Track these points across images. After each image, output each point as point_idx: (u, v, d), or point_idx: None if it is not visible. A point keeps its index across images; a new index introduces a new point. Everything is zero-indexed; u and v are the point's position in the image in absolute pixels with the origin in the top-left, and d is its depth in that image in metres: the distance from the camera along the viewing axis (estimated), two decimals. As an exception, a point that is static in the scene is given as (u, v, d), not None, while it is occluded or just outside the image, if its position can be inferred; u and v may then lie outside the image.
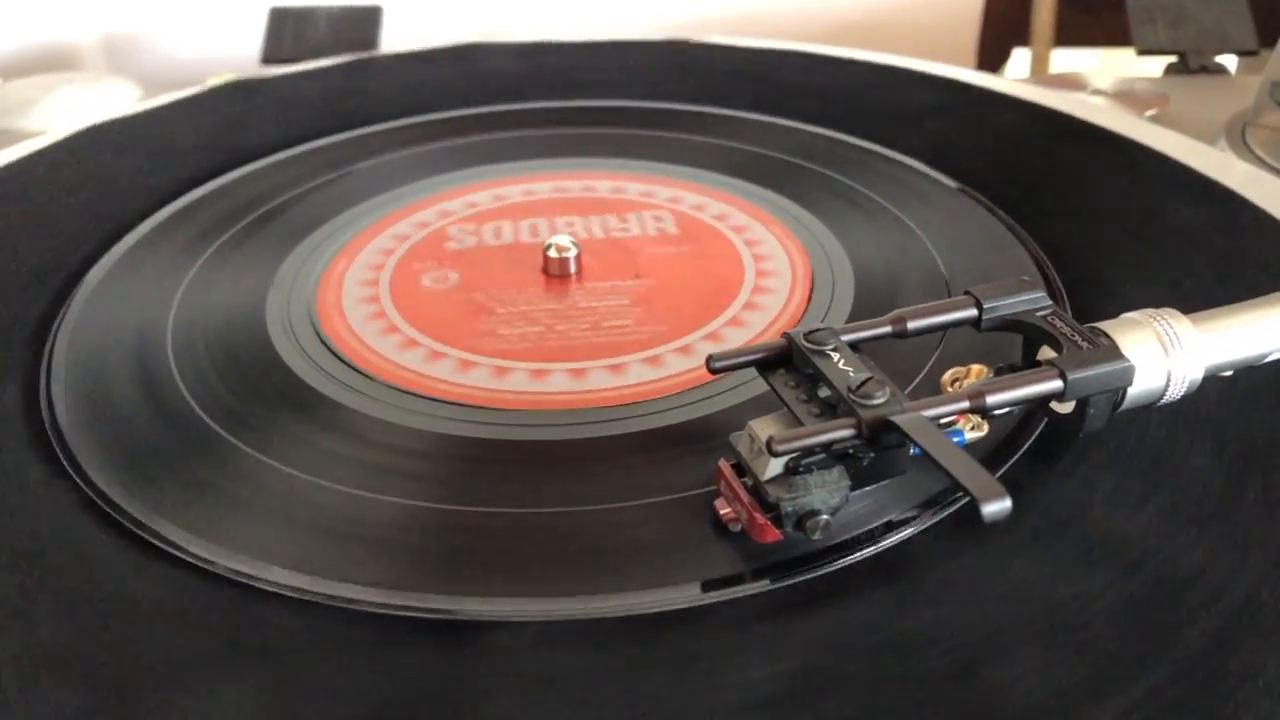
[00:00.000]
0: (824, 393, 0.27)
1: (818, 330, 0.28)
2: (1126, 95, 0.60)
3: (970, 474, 0.23)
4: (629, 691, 0.24)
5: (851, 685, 0.24)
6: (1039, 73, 0.94)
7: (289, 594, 0.27)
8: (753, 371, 0.29)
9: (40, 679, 0.24)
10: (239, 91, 0.61)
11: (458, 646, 0.25)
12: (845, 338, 0.28)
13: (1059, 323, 0.28)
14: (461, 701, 0.24)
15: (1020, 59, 1.00)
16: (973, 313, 0.29)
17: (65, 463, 0.32)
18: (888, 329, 0.29)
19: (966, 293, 0.29)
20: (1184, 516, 0.28)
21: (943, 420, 0.26)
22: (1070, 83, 0.63)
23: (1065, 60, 0.99)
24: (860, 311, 0.39)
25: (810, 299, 0.39)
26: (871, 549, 0.27)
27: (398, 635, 0.26)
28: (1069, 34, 0.96)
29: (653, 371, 0.35)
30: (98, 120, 0.56)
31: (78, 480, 0.31)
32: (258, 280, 0.42)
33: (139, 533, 0.29)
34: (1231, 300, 0.30)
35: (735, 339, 0.37)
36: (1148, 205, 0.44)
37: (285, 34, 0.70)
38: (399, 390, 0.35)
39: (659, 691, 0.24)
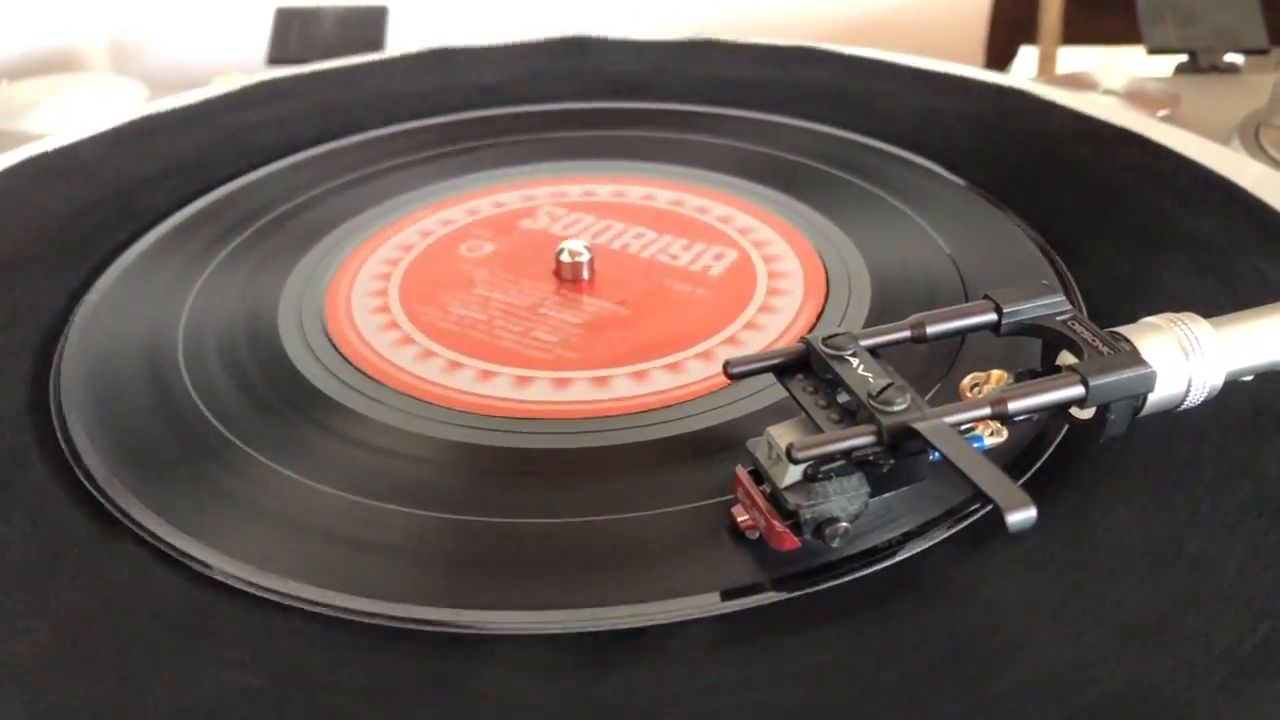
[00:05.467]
0: (843, 398, 0.27)
1: (836, 335, 0.28)
2: (1138, 95, 0.60)
3: (994, 482, 0.23)
4: (642, 704, 0.24)
5: (865, 701, 0.24)
6: (1046, 71, 0.94)
7: (297, 604, 0.27)
8: (767, 377, 0.29)
9: (39, 681, 0.24)
10: (256, 92, 0.61)
11: (471, 660, 0.25)
12: (864, 343, 0.28)
13: (1079, 327, 0.28)
14: (477, 716, 0.24)
15: (1027, 57, 1.00)
16: (992, 317, 0.29)
17: (73, 465, 0.32)
18: (907, 334, 0.28)
19: (986, 297, 0.29)
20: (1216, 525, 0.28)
21: (963, 427, 0.26)
22: (1081, 82, 0.63)
23: (1072, 58, 0.98)
24: (876, 314, 0.38)
25: (826, 302, 0.39)
26: (889, 560, 0.27)
27: (409, 648, 0.25)
28: (1076, 32, 0.95)
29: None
30: (108, 123, 0.56)
31: (84, 483, 0.31)
32: (270, 284, 0.41)
33: (144, 536, 0.29)
34: (1245, 303, 0.30)
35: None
36: (1161, 206, 0.44)
37: (291, 34, 0.70)
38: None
39: (672, 703, 0.24)
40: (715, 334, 0.37)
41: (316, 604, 0.26)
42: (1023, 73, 0.95)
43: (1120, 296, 0.39)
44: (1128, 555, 0.27)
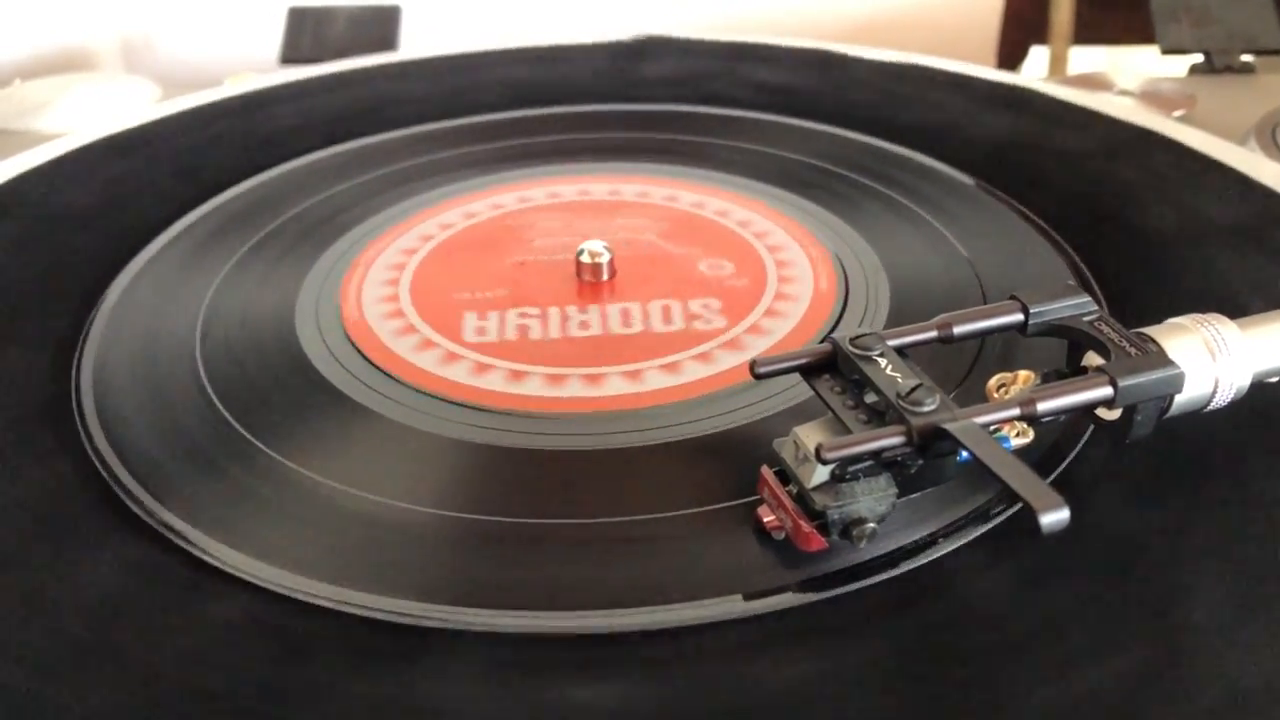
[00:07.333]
0: (870, 398, 0.27)
1: (864, 335, 0.27)
2: (1153, 95, 0.60)
3: (1027, 483, 0.22)
4: (664, 705, 0.24)
5: (893, 704, 0.23)
6: (1057, 71, 0.94)
7: (310, 600, 0.27)
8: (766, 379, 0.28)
9: (58, 679, 0.24)
10: (269, 93, 0.61)
11: (484, 659, 0.25)
12: (891, 343, 0.27)
13: (1106, 328, 0.28)
14: (488, 715, 0.24)
15: (1038, 57, 1.00)
16: (1019, 318, 0.29)
17: (95, 463, 0.32)
18: (933, 334, 0.28)
19: (1012, 297, 0.29)
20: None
21: (990, 428, 0.26)
22: (1095, 82, 0.63)
23: (1083, 58, 0.98)
24: (895, 317, 0.38)
25: (846, 304, 0.39)
26: (917, 561, 0.27)
27: (421, 645, 0.25)
28: (1088, 32, 0.95)
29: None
30: (126, 122, 0.56)
31: (107, 480, 0.31)
32: (288, 283, 0.41)
33: (163, 532, 0.29)
34: (1269, 304, 0.30)
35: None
36: (1181, 206, 0.44)
37: (304, 34, 0.70)
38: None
39: (696, 705, 0.24)
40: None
41: (336, 601, 0.26)
42: (1034, 73, 0.95)
43: (1140, 298, 0.38)
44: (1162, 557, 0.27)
